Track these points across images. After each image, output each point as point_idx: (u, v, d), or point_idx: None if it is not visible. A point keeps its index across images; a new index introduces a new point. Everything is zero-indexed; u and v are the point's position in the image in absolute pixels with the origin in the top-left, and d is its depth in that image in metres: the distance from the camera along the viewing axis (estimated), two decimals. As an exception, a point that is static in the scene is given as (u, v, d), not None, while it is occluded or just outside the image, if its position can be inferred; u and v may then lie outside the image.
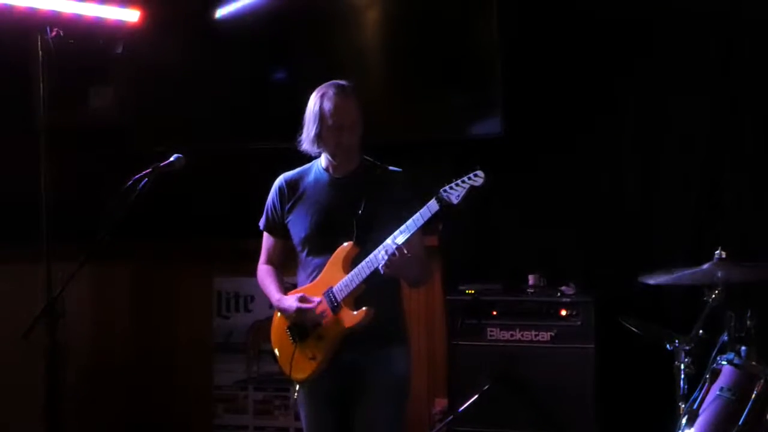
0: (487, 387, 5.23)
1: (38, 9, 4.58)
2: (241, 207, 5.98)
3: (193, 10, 6.04)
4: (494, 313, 5.41)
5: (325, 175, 4.07)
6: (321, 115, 3.95)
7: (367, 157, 4.10)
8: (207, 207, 6.17)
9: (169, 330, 6.40)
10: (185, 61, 6.01)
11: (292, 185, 4.12)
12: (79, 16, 4.82)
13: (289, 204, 4.10)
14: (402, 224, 3.77)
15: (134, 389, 6.31)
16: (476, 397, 5.22)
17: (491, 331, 5.40)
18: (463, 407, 5.24)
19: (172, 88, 6.07)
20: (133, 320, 6.42)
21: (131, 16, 5.15)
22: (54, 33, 4.23)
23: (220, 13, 6.04)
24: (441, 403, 5.65)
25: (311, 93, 4.07)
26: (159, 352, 6.37)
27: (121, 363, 6.31)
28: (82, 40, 4.49)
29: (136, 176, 3.90)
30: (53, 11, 4.64)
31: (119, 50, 5.71)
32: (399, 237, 3.76)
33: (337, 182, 4.04)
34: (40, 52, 4.17)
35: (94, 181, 5.67)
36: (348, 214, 3.94)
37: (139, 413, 6.31)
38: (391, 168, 4.07)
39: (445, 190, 3.70)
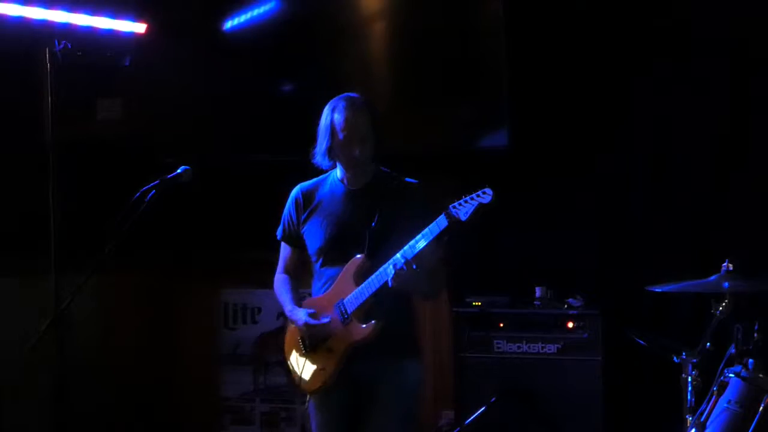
0: (493, 399, 5.23)
1: (46, 22, 4.61)
2: (248, 219, 6.01)
3: (201, 23, 6.07)
4: (501, 325, 5.41)
5: (341, 187, 4.08)
6: (332, 129, 3.98)
7: (384, 168, 4.11)
8: (214, 219, 6.17)
9: (176, 341, 6.40)
10: (192, 73, 6.03)
11: (308, 195, 4.14)
12: (87, 28, 4.84)
13: (305, 214, 4.12)
14: (414, 237, 3.79)
15: (141, 400, 6.31)
16: (483, 409, 5.22)
17: (498, 343, 5.39)
18: (470, 419, 5.24)
19: (179, 100, 6.09)
20: (140, 332, 6.42)
21: (139, 28, 5.17)
22: (62, 45, 4.24)
23: (229, 25, 6.07)
24: (448, 416, 5.65)
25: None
26: (166, 363, 6.37)
27: (128, 374, 6.31)
28: (90, 52, 4.51)
29: (144, 188, 3.91)
30: (61, 24, 4.67)
31: (127, 62, 5.73)
32: (408, 251, 3.78)
33: (352, 194, 4.06)
34: (48, 65, 4.18)
35: (101, 193, 5.68)
36: (361, 227, 3.96)
37: (146, 424, 6.31)
38: (407, 180, 4.08)
39: (454, 206, 3.72)
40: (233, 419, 6.31)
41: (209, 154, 6.01)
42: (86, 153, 5.86)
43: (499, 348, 5.39)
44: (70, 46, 4.21)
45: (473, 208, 3.71)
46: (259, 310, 6.29)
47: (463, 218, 3.72)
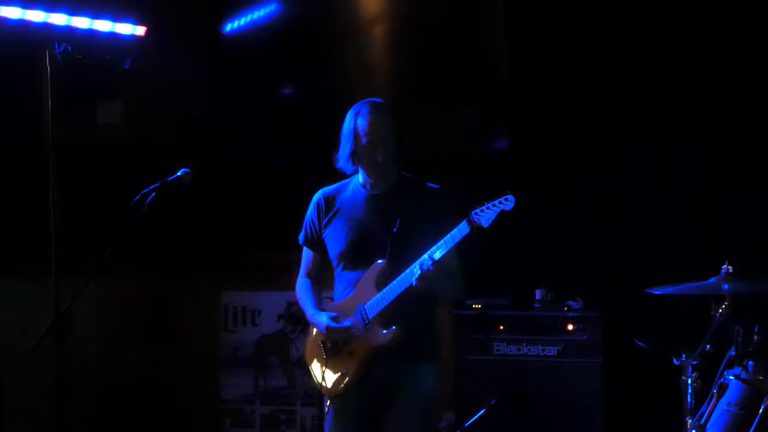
0: (494, 401, 5.23)
1: (46, 24, 4.62)
2: (248, 221, 6.02)
3: (201, 25, 6.07)
4: (501, 327, 5.41)
5: (363, 191, 4.08)
6: (355, 133, 3.98)
7: (406, 173, 4.11)
8: (214, 221, 6.18)
9: (177, 344, 6.40)
10: (192, 76, 6.03)
11: (330, 200, 4.14)
12: (88, 31, 4.85)
13: (327, 219, 4.12)
14: (436, 243, 3.78)
15: (141, 403, 6.31)
16: (483, 411, 5.22)
17: (498, 345, 5.40)
18: (470, 422, 5.24)
19: (179, 103, 6.09)
20: (140, 334, 6.42)
21: (139, 31, 5.18)
22: (62, 48, 4.24)
23: (229, 28, 6.07)
24: (448, 418, 5.64)
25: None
26: (166, 366, 6.37)
27: (129, 377, 6.31)
28: (90, 55, 4.52)
29: (144, 191, 3.91)
30: (61, 27, 4.68)
31: (127, 65, 5.73)
32: (434, 253, 3.77)
33: (374, 199, 4.05)
34: (49, 68, 4.18)
35: (101, 196, 5.68)
36: (383, 232, 3.95)
37: (146, 426, 6.31)
38: (429, 185, 4.08)
39: (476, 213, 3.72)
40: (233, 422, 6.31)
41: (209, 156, 6.01)
42: (87, 155, 5.86)
43: (499, 350, 5.39)
44: (70, 49, 4.21)
45: (495, 214, 3.71)
46: (259, 312, 6.29)
47: (485, 225, 3.72)
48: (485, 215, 3.71)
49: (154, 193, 3.91)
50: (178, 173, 4.02)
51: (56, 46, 4.22)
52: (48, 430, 4.31)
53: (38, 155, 4.55)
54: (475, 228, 3.73)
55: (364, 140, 3.96)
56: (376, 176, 4.04)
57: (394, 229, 3.93)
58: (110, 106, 6.35)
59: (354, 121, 3.99)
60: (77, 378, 4.39)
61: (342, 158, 4.05)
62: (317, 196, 4.18)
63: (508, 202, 3.71)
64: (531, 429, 5.23)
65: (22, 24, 4.63)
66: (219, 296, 6.37)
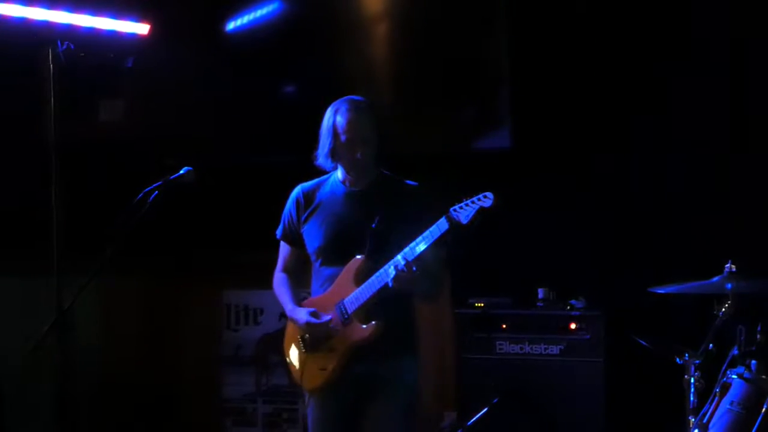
0: (495, 400, 5.23)
1: (48, 23, 4.61)
2: (250, 220, 6.00)
3: (203, 24, 6.07)
4: (503, 326, 5.41)
5: (342, 188, 4.10)
6: (334, 131, 4.00)
7: (385, 171, 4.12)
8: (216, 220, 6.17)
9: (178, 343, 6.40)
10: (194, 74, 6.03)
11: (309, 196, 4.15)
12: (90, 29, 4.84)
13: (305, 214, 4.13)
14: (414, 239, 3.80)
15: (143, 402, 6.31)
16: (485, 410, 5.22)
17: (500, 344, 5.40)
18: (472, 420, 5.24)
19: (181, 101, 6.09)
20: (142, 333, 6.42)
21: (142, 29, 5.17)
22: (64, 46, 4.24)
23: (231, 26, 6.07)
24: (450, 416, 5.64)
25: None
26: (168, 365, 6.37)
27: (130, 376, 6.31)
28: (92, 53, 4.51)
29: (147, 189, 3.91)
30: (63, 25, 4.67)
31: (129, 64, 5.73)
32: (409, 253, 3.78)
33: (353, 195, 4.07)
34: (51, 66, 4.17)
35: (103, 194, 5.68)
36: (362, 228, 3.97)
37: (147, 426, 6.30)
38: (407, 182, 4.10)
39: (455, 210, 3.74)
40: (235, 421, 6.31)
41: (211, 155, 6.01)
42: (89, 154, 5.86)
43: (501, 349, 5.39)
44: (72, 47, 4.20)
45: (474, 211, 3.72)
46: (261, 311, 6.28)
47: (464, 221, 3.74)
48: (464, 212, 3.74)
49: (156, 192, 3.91)
50: (181, 171, 4.03)
51: (59, 44, 4.21)
52: (49, 429, 4.30)
53: (40, 153, 4.55)
54: (453, 224, 3.75)
55: (342, 138, 3.98)
56: (355, 173, 4.06)
57: (373, 225, 3.94)
58: (112, 104, 6.35)
59: (333, 119, 4.02)
60: (78, 377, 4.38)
61: (321, 155, 4.08)
62: (296, 191, 4.21)
63: (486, 199, 3.73)
64: (533, 428, 5.23)
65: (23, 22, 4.61)
66: (220, 295, 6.37)
